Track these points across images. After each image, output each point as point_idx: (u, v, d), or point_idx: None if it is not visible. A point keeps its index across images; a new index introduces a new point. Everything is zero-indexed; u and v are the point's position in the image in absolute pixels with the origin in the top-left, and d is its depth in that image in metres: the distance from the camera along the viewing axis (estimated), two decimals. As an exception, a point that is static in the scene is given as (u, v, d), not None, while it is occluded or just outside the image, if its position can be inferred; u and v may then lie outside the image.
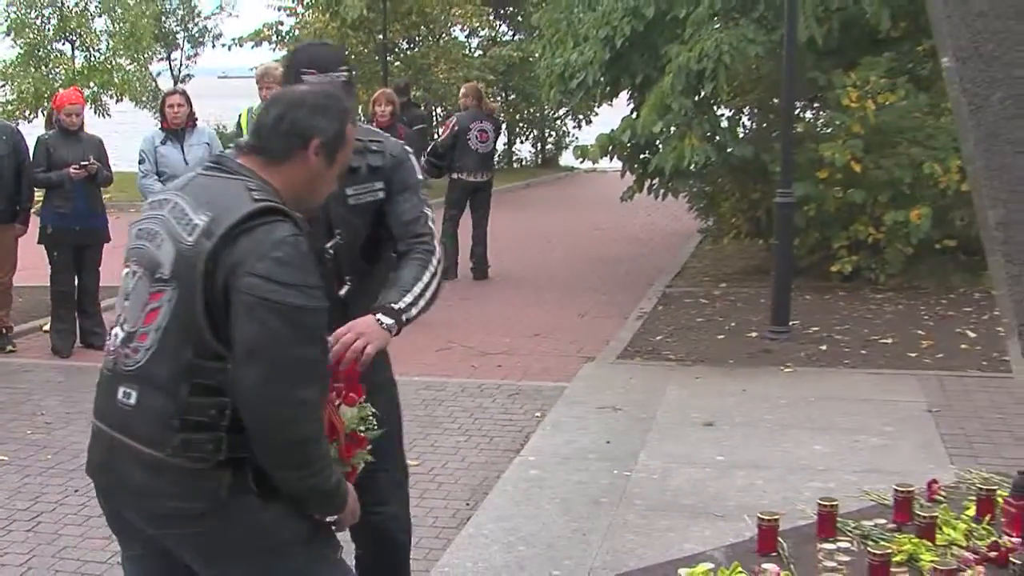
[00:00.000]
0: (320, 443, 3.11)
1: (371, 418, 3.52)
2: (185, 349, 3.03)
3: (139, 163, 10.37)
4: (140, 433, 3.09)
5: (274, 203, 3.11)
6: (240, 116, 11.02)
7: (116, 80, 27.00)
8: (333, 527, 3.31)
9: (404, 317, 3.96)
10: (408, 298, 4.01)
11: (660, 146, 12.70)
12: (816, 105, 14.59)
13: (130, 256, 3.25)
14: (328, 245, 4.16)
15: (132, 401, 3.11)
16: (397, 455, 4.55)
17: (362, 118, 12.96)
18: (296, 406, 3.00)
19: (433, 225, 4.31)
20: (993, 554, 4.25)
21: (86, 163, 9.88)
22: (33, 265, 11.03)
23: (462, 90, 15.67)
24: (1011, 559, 4.07)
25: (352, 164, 3.98)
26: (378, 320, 3.86)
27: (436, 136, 15.49)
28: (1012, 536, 4.37)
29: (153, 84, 29.74)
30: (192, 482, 3.06)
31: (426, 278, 4.12)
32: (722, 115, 13.46)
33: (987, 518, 4.63)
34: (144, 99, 29.13)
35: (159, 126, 10.45)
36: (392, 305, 3.95)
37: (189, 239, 3.03)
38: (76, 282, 10.33)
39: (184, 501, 3.07)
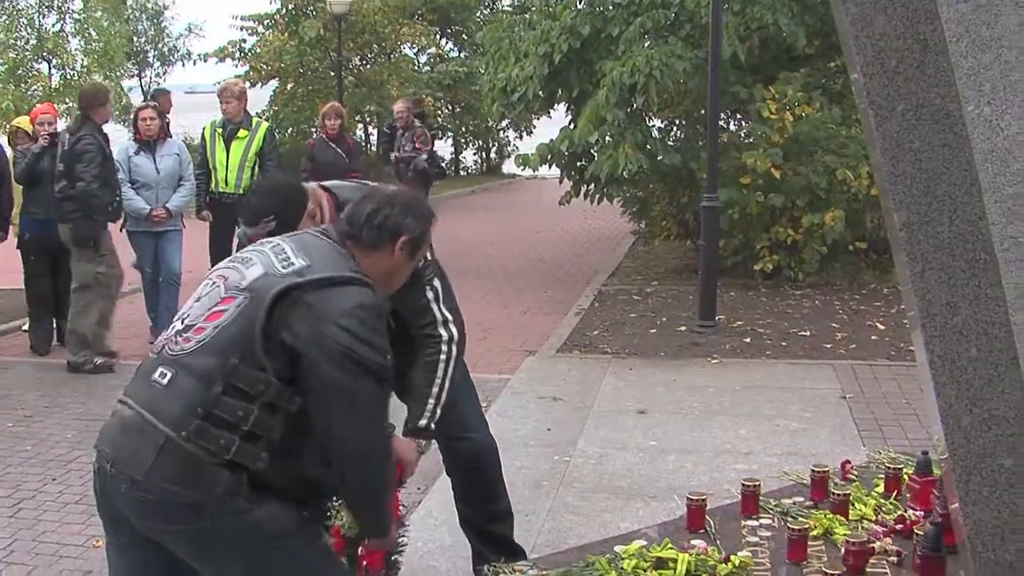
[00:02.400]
0: (388, 470, 3.39)
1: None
2: (234, 352, 3.11)
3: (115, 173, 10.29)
4: (163, 410, 3.11)
5: (368, 279, 3.28)
6: (204, 129, 10.98)
7: (89, 95, 26.73)
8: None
9: (432, 427, 4.18)
10: (427, 413, 4.17)
11: (595, 155, 12.74)
12: (739, 117, 14.69)
13: (215, 271, 3.38)
14: None
15: (165, 381, 3.15)
16: (473, 393, 4.83)
17: (320, 131, 12.94)
18: (372, 443, 3.21)
19: (439, 307, 4.24)
20: (899, 527, 4.32)
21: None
22: (14, 269, 10.91)
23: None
24: (915, 531, 4.13)
25: None
26: (418, 447, 4.13)
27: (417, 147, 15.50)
28: (916, 510, 4.44)
29: (125, 99, 29.41)
30: (193, 471, 3.07)
31: (439, 378, 4.21)
32: (653, 126, 13.51)
33: (894, 494, 4.70)
34: (117, 113, 28.87)
35: (132, 138, 10.37)
36: (419, 427, 4.14)
37: (281, 270, 3.18)
38: (52, 285, 10.22)
39: (179, 486, 3.06)
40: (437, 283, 4.24)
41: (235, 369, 3.09)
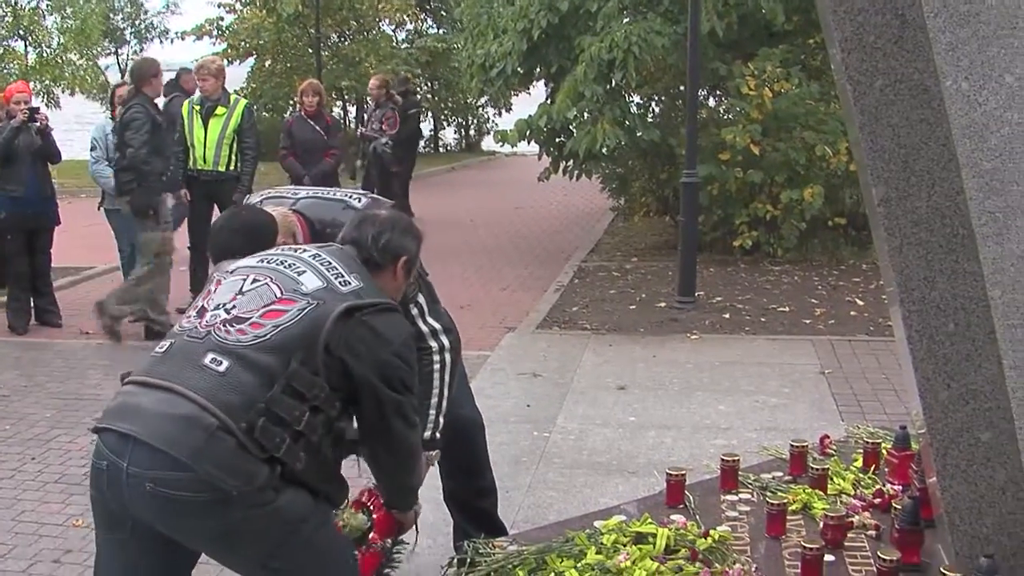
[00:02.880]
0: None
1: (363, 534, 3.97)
2: (295, 354, 3.19)
3: (91, 150, 10.26)
4: (220, 398, 3.10)
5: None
6: (182, 107, 10.91)
7: (67, 74, 26.63)
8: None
9: (438, 436, 4.29)
10: (431, 425, 4.26)
11: (574, 131, 12.73)
12: (718, 93, 14.69)
13: (254, 270, 3.43)
14: None
15: (222, 369, 3.15)
16: (463, 373, 4.85)
17: (298, 108, 12.90)
18: (416, 441, 3.63)
19: (424, 321, 4.27)
20: (878, 501, 4.35)
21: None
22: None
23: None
24: (893, 505, 4.15)
25: None
26: (427, 459, 4.16)
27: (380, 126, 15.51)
28: (894, 484, 4.46)
29: (102, 77, 29.28)
30: (239, 461, 3.08)
31: (436, 388, 4.28)
32: (632, 102, 13.50)
33: (873, 469, 4.72)
34: (94, 91, 28.74)
35: (109, 116, 10.32)
36: (425, 439, 4.15)
37: (340, 287, 3.33)
38: (29, 264, 10.17)
39: (224, 472, 3.05)
40: (421, 298, 4.27)
41: (294, 370, 3.18)
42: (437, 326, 4.29)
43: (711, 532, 4.00)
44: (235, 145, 10.57)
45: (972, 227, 3.46)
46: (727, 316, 10.29)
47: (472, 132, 33.45)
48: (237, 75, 24.47)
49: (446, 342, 4.30)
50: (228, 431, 3.07)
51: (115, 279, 11.24)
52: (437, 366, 4.27)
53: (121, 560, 3.32)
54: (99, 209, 10.28)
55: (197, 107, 10.61)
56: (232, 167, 10.61)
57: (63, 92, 27.12)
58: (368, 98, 14.11)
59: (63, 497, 6.19)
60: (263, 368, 3.16)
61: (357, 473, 4.66)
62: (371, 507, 4.04)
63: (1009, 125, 3.39)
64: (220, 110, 10.56)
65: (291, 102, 23.52)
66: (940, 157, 3.46)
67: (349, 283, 3.35)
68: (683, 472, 4.54)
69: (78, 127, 25.27)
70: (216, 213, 10.74)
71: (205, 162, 10.53)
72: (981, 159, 3.42)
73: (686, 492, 4.49)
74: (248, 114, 10.84)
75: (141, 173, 9.47)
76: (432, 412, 4.26)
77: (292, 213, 4.09)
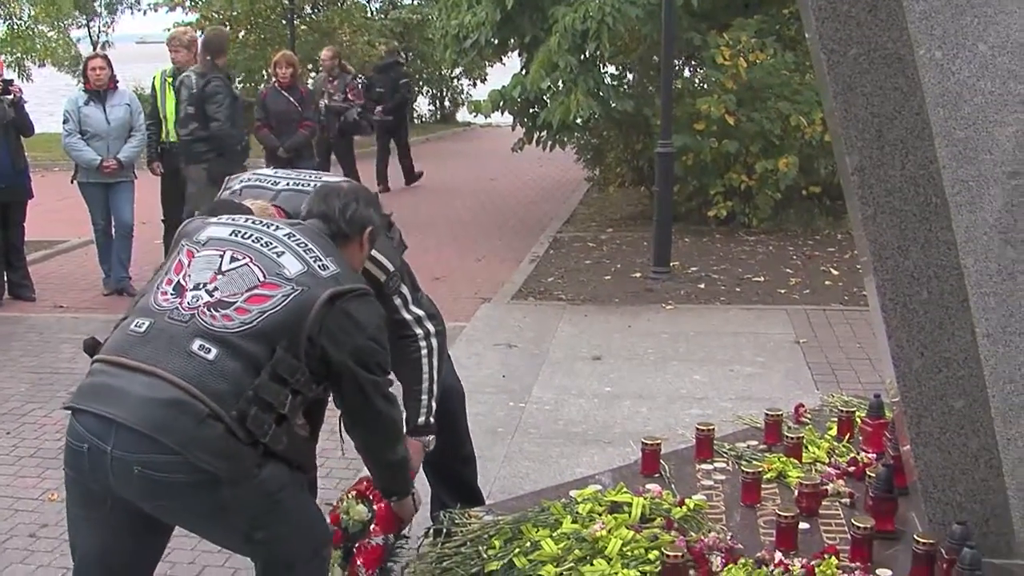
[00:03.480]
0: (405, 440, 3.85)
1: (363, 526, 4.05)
2: (280, 340, 3.22)
3: (63, 123, 10.16)
4: (209, 387, 3.11)
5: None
6: (154, 78, 10.83)
7: (39, 47, 26.41)
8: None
9: (432, 420, 4.28)
10: (424, 410, 4.28)
11: (548, 101, 12.70)
12: (693, 63, 14.66)
13: (230, 245, 3.40)
14: None
15: (210, 357, 3.15)
16: None
17: (272, 80, 12.82)
18: (397, 420, 3.69)
19: (407, 311, 4.27)
20: (852, 469, 4.37)
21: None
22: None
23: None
24: (867, 473, 4.18)
25: None
26: (423, 445, 4.26)
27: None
28: (868, 452, 4.49)
29: (74, 50, 29.00)
30: (228, 446, 3.11)
31: (425, 374, 4.29)
32: (606, 72, 13.46)
33: (847, 437, 4.75)
34: (66, 64, 28.51)
35: (82, 88, 10.24)
36: (419, 425, 4.25)
37: (322, 273, 3.34)
38: (2, 238, 10.09)
39: (215, 457, 3.09)
40: (404, 288, 4.27)
41: (279, 357, 3.21)
42: (421, 313, 4.29)
43: (686, 501, 4.02)
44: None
45: (945, 196, 3.48)
46: (702, 286, 10.31)
47: (447, 103, 33.33)
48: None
49: (431, 327, 4.31)
50: (217, 418, 3.09)
51: (89, 253, 11.18)
52: (425, 352, 4.28)
53: (99, 535, 3.32)
54: (72, 182, 10.21)
55: (169, 79, 10.53)
56: (205, 139, 10.54)
57: (35, 65, 26.90)
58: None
59: (38, 472, 6.16)
60: (250, 356, 3.18)
61: (340, 454, 4.70)
62: (371, 497, 4.06)
63: (982, 94, 3.40)
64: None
65: (265, 73, 23.36)
66: (914, 126, 3.46)
67: (327, 267, 3.35)
68: (658, 441, 4.56)
69: (52, 100, 25.10)
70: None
71: (178, 134, 10.46)
72: (954, 128, 3.43)
73: (661, 461, 4.51)
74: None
75: (223, 144, 9.92)
76: (424, 397, 4.27)
77: (271, 206, 4.07)
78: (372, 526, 4.00)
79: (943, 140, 3.45)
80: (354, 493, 4.14)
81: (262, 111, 12.14)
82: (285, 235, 3.43)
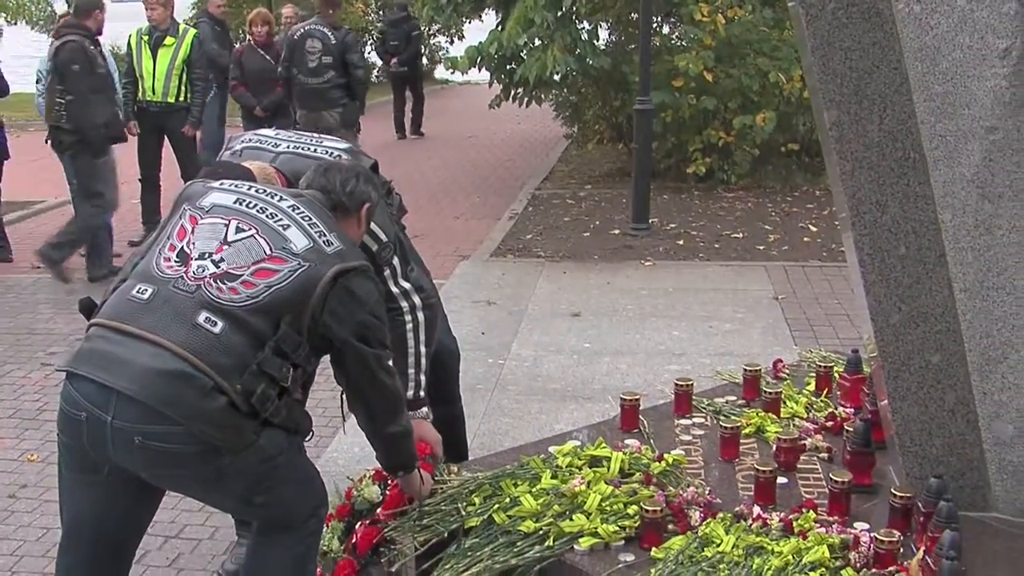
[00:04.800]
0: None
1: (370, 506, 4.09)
2: (285, 316, 3.22)
3: (36, 83, 10.08)
4: (214, 359, 3.09)
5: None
6: (130, 37, 10.73)
7: (11, 4, 26.16)
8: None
9: (422, 394, 4.29)
10: (412, 384, 4.26)
11: (524, 58, 12.65)
12: (671, 20, 14.60)
13: (235, 214, 3.36)
14: None
15: (216, 330, 3.13)
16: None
17: (248, 38, 12.72)
18: (398, 390, 3.65)
19: (400, 281, 4.25)
20: (830, 424, 4.39)
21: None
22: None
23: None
24: (845, 427, 4.19)
25: None
26: (423, 418, 4.28)
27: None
28: (846, 407, 4.51)
29: (49, 9, 28.73)
30: (230, 417, 3.11)
31: (411, 348, 4.28)
32: (583, 29, 13.40)
33: (825, 392, 4.76)
34: (41, 22, 28.22)
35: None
36: (409, 399, 4.15)
37: (327, 249, 3.33)
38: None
39: (217, 430, 3.09)
40: (396, 260, 4.25)
41: (284, 332, 3.22)
42: (407, 286, 4.27)
43: (665, 456, 4.03)
44: (184, 76, 10.45)
45: (923, 151, 3.48)
46: (681, 243, 10.32)
47: (425, 61, 33.17)
48: (184, 4, 24.09)
49: (417, 301, 4.28)
50: (221, 391, 3.09)
51: (66, 213, 11.09)
52: (410, 326, 4.26)
53: (93, 498, 3.33)
54: (47, 142, 10.14)
55: (145, 37, 10.44)
56: (182, 98, 10.50)
57: (8, 23, 26.62)
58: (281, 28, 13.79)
59: (17, 432, 6.15)
60: (254, 330, 3.17)
61: (343, 432, 4.70)
62: (388, 482, 4.06)
63: (960, 49, 3.39)
64: (169, 40, 10.39)
65: (240, 32, 23.19)
66: (892, 81, 3.46)
67: (332, 243, 3.34)
68: (637, 397, 4.56)
69: (30, 59, 24.90)
70: (166, 145, 10.65)
71: (154, 93, 10.39)
72: (933, 82, 3.43)
73: (640, 417, 4.52)
74: (197, 44, 10.69)
75: (357, 91, 11.37)
76: (411, 371, 4.26)
77: (271, 167, 4.03)
78: (378, 510, 3.99)
79: (921, 95, 3.44)
80: (373, 474, 4.15)
81: (238, 70, 12.02)
82: (289, 207, 3.41)
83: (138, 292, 3.21)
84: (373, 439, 3.72)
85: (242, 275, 3.21)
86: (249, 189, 3.48)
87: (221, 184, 3.51)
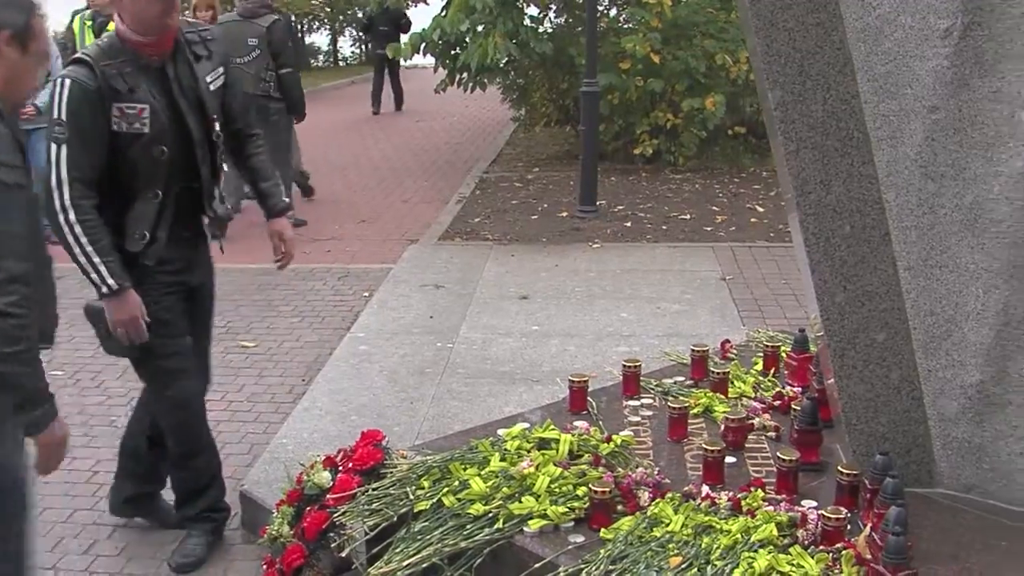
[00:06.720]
0: (24, 324, 2.81)
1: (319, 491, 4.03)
2: None
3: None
4: None
5: None
6: (72, 21, 10.61)
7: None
8: None
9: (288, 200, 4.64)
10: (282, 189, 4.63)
11: (469, 43, 12.63)
12: (618, 2, 14.63)
13: None
14: (217, 129, 4.35)
15: None
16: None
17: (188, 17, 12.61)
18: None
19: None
20: (778, 403, 4.41)
21: None
22: None
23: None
24: (793, 406, 4.22)
25: (199, 52, 4.35)
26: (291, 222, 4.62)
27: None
28: (794, 386, 4.54)
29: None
30: None
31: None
32: (527, 14, 13.39)
33: (772, 372, 4.79)
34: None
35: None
36: (285, 203, 4.69)
37: None
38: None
39: None
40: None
41: None
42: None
43: (614, 437, 4.04)
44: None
45: (867, 130, 3.49)
46: (629, 224, 10.34)
47: (371, 46, 33.06)
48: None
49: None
50: None
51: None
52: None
53: None
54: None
55: (88, 22, 10.32)
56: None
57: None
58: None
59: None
60: None
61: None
62: (339, 468, 4.03)
63: (903, 29, 3.41)
64: (112, 25, 10.27)
65: (184, 14, 23.03)
66: (835, 61, 3.47)
67: None
68: (586, 379, 4.57)
69: None
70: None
71: None
72: (876, 63, 3.45)
73: (589, 398, 4.53)
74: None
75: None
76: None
77: None
78: (327, 496, 3.97)
79: (864, 75, 3.46)
80: (323, 460, 4.13)
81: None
82: None
83: None
84: None
85: None
86: None
87: None
